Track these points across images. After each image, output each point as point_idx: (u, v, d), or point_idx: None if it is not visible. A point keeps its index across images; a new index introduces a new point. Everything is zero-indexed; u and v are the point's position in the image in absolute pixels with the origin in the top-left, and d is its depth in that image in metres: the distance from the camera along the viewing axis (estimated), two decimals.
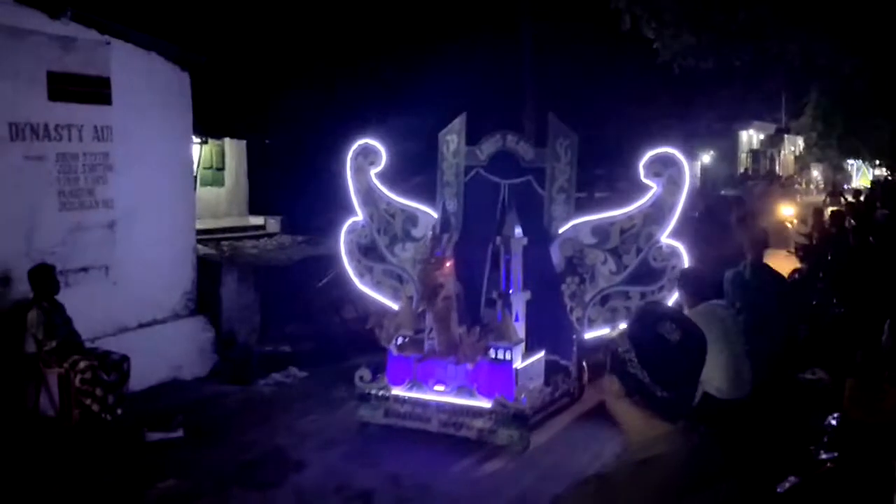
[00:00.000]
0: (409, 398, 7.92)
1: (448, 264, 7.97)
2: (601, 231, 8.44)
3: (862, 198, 21.23)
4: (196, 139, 15.19)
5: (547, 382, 8.26)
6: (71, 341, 8.18)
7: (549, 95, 21.36)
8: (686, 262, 8.04)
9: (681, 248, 8.22)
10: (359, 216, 9.47)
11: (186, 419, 8.38)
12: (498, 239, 8.15)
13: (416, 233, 9.13)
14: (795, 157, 44.92)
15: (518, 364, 7.77)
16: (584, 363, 8.67)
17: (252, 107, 18.95)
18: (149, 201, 9.64)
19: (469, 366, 7.72)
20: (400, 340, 8.05)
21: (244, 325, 10.83)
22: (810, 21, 9.47)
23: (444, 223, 8.41)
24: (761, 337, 6.45)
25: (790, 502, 4.95)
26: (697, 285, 6.35)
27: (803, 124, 35.84)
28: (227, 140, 20.89)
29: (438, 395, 7.83)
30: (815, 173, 43.21)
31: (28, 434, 7.84)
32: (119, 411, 8.23)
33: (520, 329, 8.03)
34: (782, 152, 46.74)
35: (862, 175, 41.48)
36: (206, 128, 16.56)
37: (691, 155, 35.35)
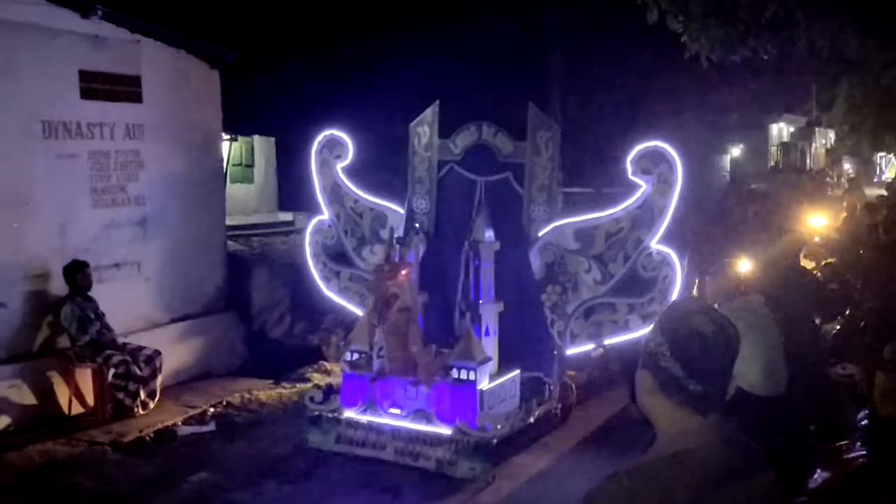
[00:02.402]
0: (363, 422, 7.19)
1: (404, 272, 7.10)
2: (585, 235, 7.59)
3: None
4: (225, 136, 15.27)
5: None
6: (104, 336, 8.30)
7: (573, 86, 21.28)
8: (678, 271, 7.35)
9: (672, 255, 7.38)
10: (325, 215, 8.74)
11: (218, 413, 8.47)
12: (467, 243, 7.48)
13: (385, 234, 8.28)
14: (827, 150, 44.48)
15: (484, 385, 7.00)
16: (573, 382, 8.08)
17: (281, 103, 19.03)
18: (180, 198, 9.73)
19: (424, 388, 6.97)
20: (355, 357, 7.34)
21: (274, 320, 10.91)
22: (839, 13, 9.38)
23: (409, 225, 7.71)
24: (797, 335, 6.41)
25: (821, 498, 4.94)
26: (736, 280, 6.30)
27: (834, 117, 35.49)
28: (256, 137, 20.98)
29: (394, 419, 7.09)
30: (847, 166, 42.74)
31: (62, 428, 7.95)
32: (151, 405, 8.35)
33: (490, 345, 7.31)
34: (813, 145, 46.26)
35: (891, 167, 41.00)
36: (236, 125, 16.66)
37: (721, 148, 35.08)
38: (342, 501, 6.61)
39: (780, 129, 45.52)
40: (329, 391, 7.48)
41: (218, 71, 10.29)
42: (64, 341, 8.30)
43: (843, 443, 5.78)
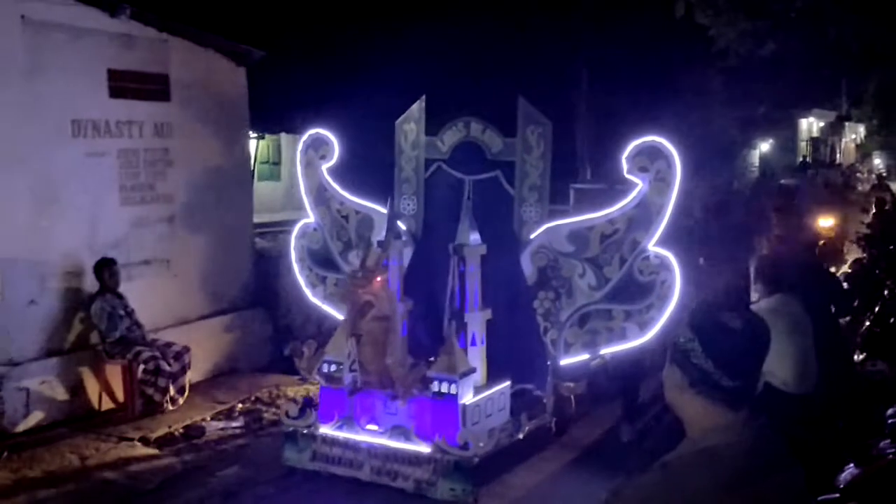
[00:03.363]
0: (339, 439, 6.72)
1: (379, 278, 6.64)
2: (579, 237, 7.12)
3: None
4: (253, 134, 15.33)
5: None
6: (133, 333, 8.37)
7: (598, 83, 21.21)
8: (678, 274, 6.88)
9: (671, 258, 6.91)
10: (310, 218, 8.34)
11: (246, 409, 8.53)
12: (451, 247, 6.98)
13: (371, 238, 7.73)
14: (857, 146, 44.10)
15: (468, 399, 6.51)
16: (572, 394, 7.48)
17: (307, 101, 19.11)
18: (208, 196, 9.79)
19: (400, 403, 6.50)
20: (332, 369, 6.83)
21: (301, 316, 10.94)
22: (868, 7, 9.30)
23: (391, 227, 7.07)
24: (824, 331, 6.34)
25: (850, 494, 4.90)
26: (773, 275, 6.22)
27: (864, 112, 35.24)
28: (283, 135, 21.08)
29: (372, 436, 6.62)
30: (878, 161, 42.39)
31: (92, 423, 8.04)
32: (180, 401, 8.41)
33: (476, 355, 6.84)
34: (843, 140, 45.89)
35: None
36: (263, 123, 16.73)
37: (750, 143, 34.85)
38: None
39: (810, 124, 45.19)
40: (307, 405, 7.07)
41: (245, 69, 10.34)
42: (94, 338, 8.39)
43: (872, 439, 5.73)
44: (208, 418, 8.22)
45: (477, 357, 6.86)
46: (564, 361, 7.25)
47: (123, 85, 8.84)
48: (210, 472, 7.02)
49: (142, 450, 7.50)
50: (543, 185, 7.31)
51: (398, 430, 6.52)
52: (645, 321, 6.97)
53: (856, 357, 7.85)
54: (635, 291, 6.97)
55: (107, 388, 8.38)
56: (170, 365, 8.33)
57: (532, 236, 7.30)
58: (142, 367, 8.19)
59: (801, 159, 40.63)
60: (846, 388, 6.48)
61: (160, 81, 9.25)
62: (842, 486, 4.99)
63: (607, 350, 7.15)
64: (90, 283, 8.37)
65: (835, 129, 45.97)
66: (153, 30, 9.19)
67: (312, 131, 8.31)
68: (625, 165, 6.99)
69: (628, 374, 7.62)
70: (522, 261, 7.28)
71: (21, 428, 7.74)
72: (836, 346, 6.69)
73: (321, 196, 8.25)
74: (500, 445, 6.65)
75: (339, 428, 6.75)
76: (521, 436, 6.89)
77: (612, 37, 20.64)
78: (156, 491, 6.73)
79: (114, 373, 8.36)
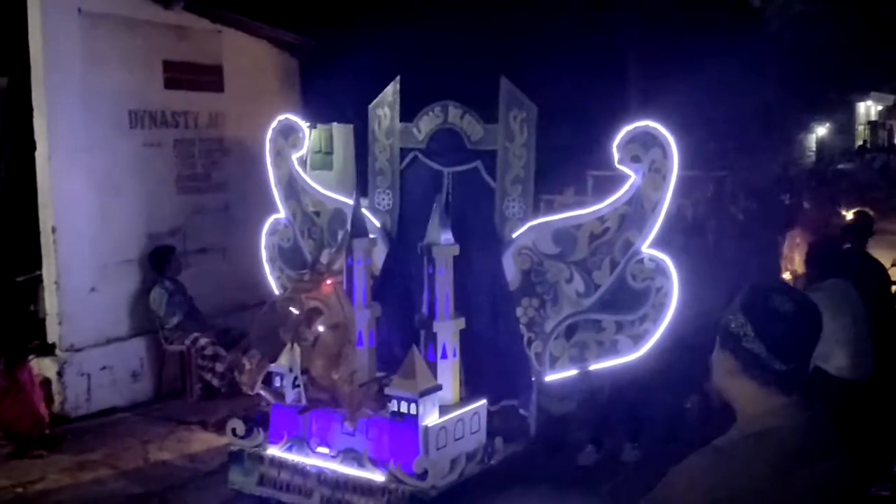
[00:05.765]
0: (288, 462, 5.94)
1: (329, 282, 5.75)
2: (565, 237, 6.19)
3: None
4: (305, 124, 15.46)
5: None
6: (191, 319, 8.52)
7: (649, 64, 20.96)
8: (675, 280, 5.95)
9: (667, 261, 5.96)
10: (281, 213, 7.55)
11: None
12: (420, 247, 6.10)
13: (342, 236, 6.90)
14: None
15: (432, 420, 5.64)
16: (561, 413, 6.81)
17: (357, 90, 19.17)
18: (261, 185, 9.86)
19: (349, 424, 5.71)
20: (284, 383, 6.11)
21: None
22: None
23: (356, 223, 6.31)
24: (879, 317, 6.26)
25: None
26: (824, 262, 6.15)
27: None
28: (334, 125, 21.19)
29: (323, 459, 5.84)
30: None
31: (152, 408, 8.27)
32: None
33: (447, 369, 5.96)
34: None
35: None
36: (315, 113, 16.85)
37: (806, 128, 34.24)
38: None
39: (868, 108, 44.32)
40: (258, 421, 6.30)
41: (297, 59, 10.42)
42: (153, 324, 8.55)
43: None
44: (265, 403, 8.33)
45: (448, 372, 5.99)
46: (550, 377, 6.36)
47: (178, 76, 8.97)
48: None
49: (200, 434, 7.65)
50: (528, 177, 6.35)
51: (350, 455, 5.74)
52: (638, 334, 6.08)
53: None
54: (628, 300, 6.08)
55: (165, 374, 8.55)
56: (227, 350, 8.46)
57: (515, 235, 6.34)
58: (200, 352, 8.33)
59: (859, 143, 39.90)
60: None
61: (214, 72, 9.38)
62: None
63: (597, 365, 6.28)
64: (149, 271, 8.54)
65: (893, 112, 45.03)
66: (207, 21, 9.30)
67: (282, 117, 7.55)
68: (616, 155, 6.06)
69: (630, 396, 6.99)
70: (504, 263, 6.37)
71: (83, 413, 7.95)
72: (893, 332, 6.60)
73: (291, 188, 7.47)
74: (468, 474, 5.75)
75: (289, 449, 5.99)
76: (493, 462, 5.99)
77: (660, 17, 20.38)
78: (214, 473, 6.84)
79: (172, 358, 8.53)
